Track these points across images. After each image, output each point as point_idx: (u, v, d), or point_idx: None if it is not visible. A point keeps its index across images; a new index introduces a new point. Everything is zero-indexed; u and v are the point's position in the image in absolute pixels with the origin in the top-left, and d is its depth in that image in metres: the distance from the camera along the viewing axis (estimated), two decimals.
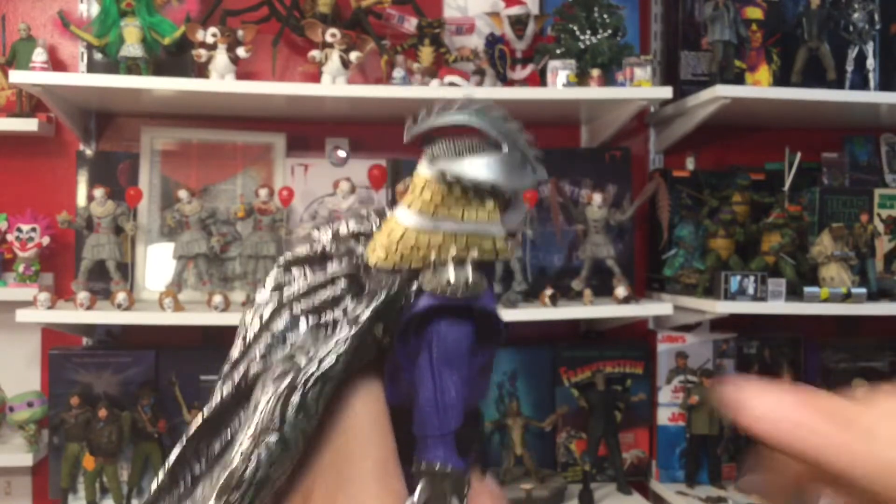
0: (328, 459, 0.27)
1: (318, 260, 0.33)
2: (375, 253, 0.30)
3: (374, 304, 0.28)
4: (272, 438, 0.26)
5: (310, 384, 0.26)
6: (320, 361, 0.27)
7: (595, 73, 1.88)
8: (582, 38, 1.94)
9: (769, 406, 0.27)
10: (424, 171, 0.30)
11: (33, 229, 1.95)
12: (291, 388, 0.26)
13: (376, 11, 1.98)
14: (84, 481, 1.89)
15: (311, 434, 0.27)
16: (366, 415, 0.29)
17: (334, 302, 0.30)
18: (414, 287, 0.29)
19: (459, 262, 0.28)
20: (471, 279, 0.28)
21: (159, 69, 1.88)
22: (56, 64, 2.01)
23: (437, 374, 0.29)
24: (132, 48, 1.83)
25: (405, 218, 0.30)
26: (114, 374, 1.95)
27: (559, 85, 1.90)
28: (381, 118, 2.11)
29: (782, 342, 2.16)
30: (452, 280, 0.28)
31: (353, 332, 0.28)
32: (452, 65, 1.93)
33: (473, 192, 0.29)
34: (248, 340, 0.30)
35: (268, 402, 0.26)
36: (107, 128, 2.08)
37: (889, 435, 0.25)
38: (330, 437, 0.28)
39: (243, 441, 0.26)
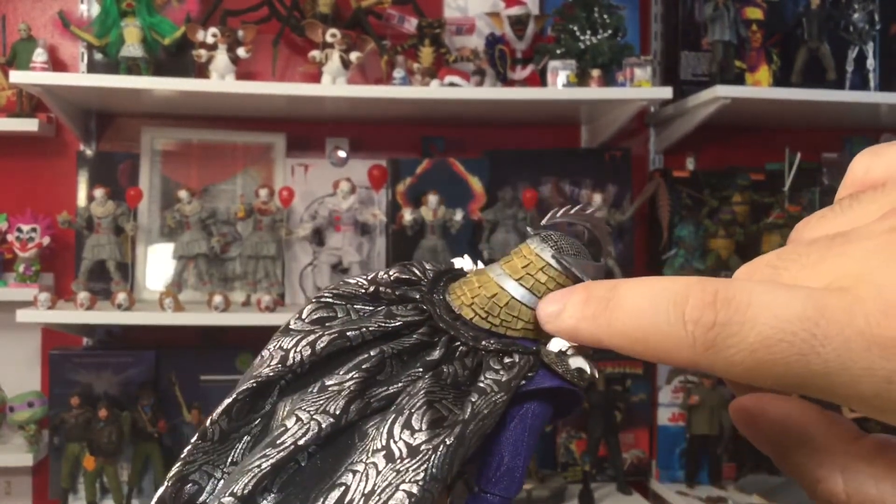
0: None
1: (364, 299, 0.33)
2: (472, 308, 0.31)
3: (523, 374, 0.30)
4: (439, 487, 0.26)
5: (472, 440, 0.27)
6: (482, 420, 0.28)
7: (595, 73, 1.88)
8: (582, 38, 1.95)
9: (559, 308, 0.28)
10: (547, 256, 0.31)
11: (33, 229, 1.95)
12: (461, 441, 0.27)
13: (376, 12, 1.98)
14: (84, 481, 1.89)
15: None
16: None
17: (422, 347, 0.31)
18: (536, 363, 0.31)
19: (586, 355, 0.30)
20: (597, 375, 0.30)
21: (159, 69, 1.88)
22: (56, 64, 2.01)
23: (526, 446, 0.30)
24: (132, 48, 1.83)
25: (514, 290, 0.31)
26: (114, 374, 1.96)
27: (559, 85, 1.90)
28: (381, 118, 2.12)
29: None
30: (588, 371, 0.30)
31: (507, 398, 0.29)
32: (452, 65, 1.93)
33: None
34: (294, 364, 0.30)
35: (435, 450, 0.26)
36: (107, 128, 2.08)
37: (630, 305, 0.25)
38: None
39: (405, 485, 0.26)
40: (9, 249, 1.96)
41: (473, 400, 0.28)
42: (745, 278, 0.25)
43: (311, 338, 0.30)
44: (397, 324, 0.31)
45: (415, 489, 0.25)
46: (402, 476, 0.26)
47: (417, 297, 0.32)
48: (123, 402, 1.93)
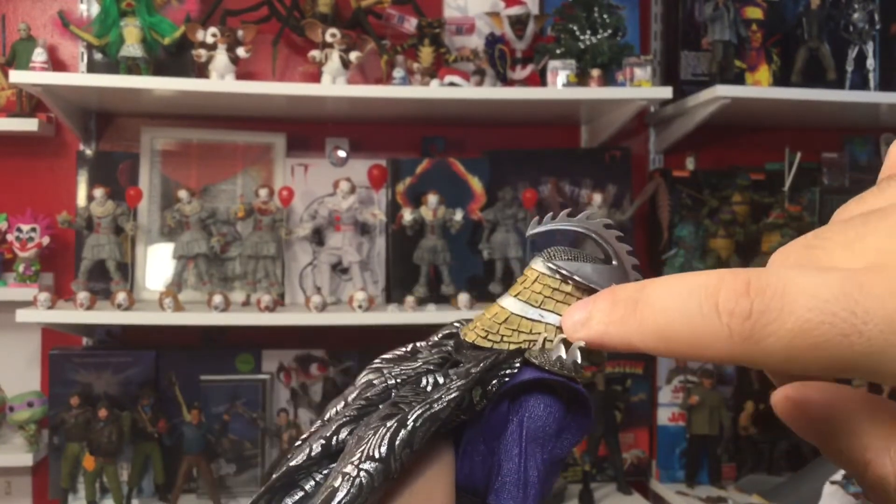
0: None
1: (406, 357, 0.34)
2: (475, 331, 0.32)
3: (483, 364, 0.30)
4: (377, 467, 0.26)
5: (419, 422, 0.27)
6: (431, 404, 0.28)
7: (595, 73, 1.88)
8: (582, 38, 1.95)
9: (585, 315, 0.27)
10: (539, 266, 0.32)
11: (33, 229, 1.95)
12: (402, 424, 0.27)
13: (376, 11, 1.98)
14: (84, 481, 1.89)
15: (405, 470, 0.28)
16: (443, 476, 0.29)
17: (427, 373, 0.32)
18: (518, 360, 0.30)
19: (570, 345, 0.30)
20: (579, 361, 0.29)
21: (159, 69, 1.88)
22: (56, 64, 2.01)
23: (524, 448, 0.30)
24: (132, 48, 1.83)
25: (511, 305, 0.32)
26: (114, 374, 1.95)
27: (559, 85, 1.90)
28: (381, 118, 2.12)
29: None
30: (564, 358, 0.29)
31: (462, 383, 0.29)
32: (452, 65, 1.93)
33: (581, 293, 0.31)
34: (331, 415, 0.32)
35: (375, 433, 0.27)
36: (107, 128, 2.08)
37: (660, 303, 0.24)
38: (401, 489, 0.28)
39: (345, 467, 0.27)
40: (9, 249, 1.96)
41: (434, 393, 0.29)
42: (781, 262, 0.25)
43: (347, 392, 0.32)
44: (417, 364, 0.32)
45: (351, 470, 0.26)
46: (343, 463, 0.27)
47: (449, 344, 0.33)
48: (123, 402, 1.93)
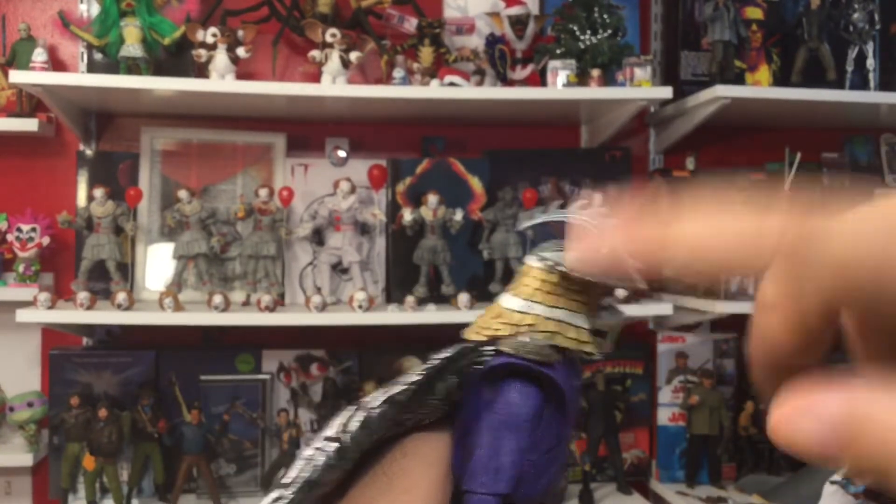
0: (366, 496, 0.29)
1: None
2: (473, 330, 0.33)
3: (448, 353, 0.30)
4: (331, 446, 0.28)
5: (376, 404, 0.28)
6: (389, 386, 0.29)
7: (595, 73, 1.88)
8: (582, 38, 1.94)
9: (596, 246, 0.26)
10: (529, 260, 0.32)
11: (33, 229, 1.95)
12: (360, 407, 0.28)
13: (376, 11, 1.98)
14: (84, 481, 1.89)
15: (366, 451, 0.29)
16: (426, 469, 0.30)
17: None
18: (492, 349, 0.31)
19: (537, 331, 0.30)
20: (542, 345, 0.30)
21: (159, 69, 1.88)
22: (56, 64, 2.01)
23: (494, 433, 0.30)
24: (132, 48, 1.83)
25: (505, 301, 0.32)
26: (114, 374, 1.95)
27: (559, 85, 1.90)
28: (381, 118, 2.12)
29: None
30: (527, 341, 0.30)
31: (423, 368, 0.30)
32: (452, 65, 1.93)
33: (568, 282, 0.31)
34: None
35: (336, 419, 0.28)
36: (107, 128, 2.08)
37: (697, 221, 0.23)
38: (375, 477, 0.29)
39: (307, 450, 0.28)
40: (9, 249, 1.96)
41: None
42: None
43: None
44: (417, 378, 0.33)
45: (309, 451, 0.28)
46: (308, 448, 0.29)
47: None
48: (123, 402, 1.93)
